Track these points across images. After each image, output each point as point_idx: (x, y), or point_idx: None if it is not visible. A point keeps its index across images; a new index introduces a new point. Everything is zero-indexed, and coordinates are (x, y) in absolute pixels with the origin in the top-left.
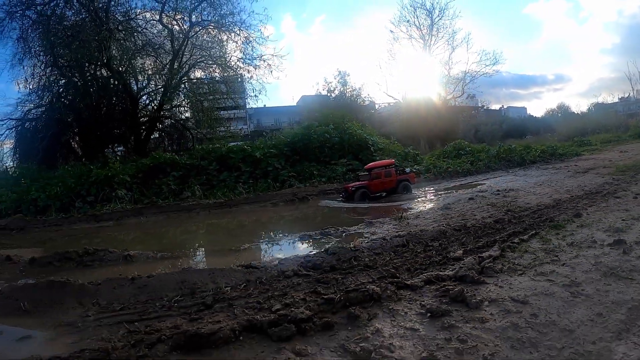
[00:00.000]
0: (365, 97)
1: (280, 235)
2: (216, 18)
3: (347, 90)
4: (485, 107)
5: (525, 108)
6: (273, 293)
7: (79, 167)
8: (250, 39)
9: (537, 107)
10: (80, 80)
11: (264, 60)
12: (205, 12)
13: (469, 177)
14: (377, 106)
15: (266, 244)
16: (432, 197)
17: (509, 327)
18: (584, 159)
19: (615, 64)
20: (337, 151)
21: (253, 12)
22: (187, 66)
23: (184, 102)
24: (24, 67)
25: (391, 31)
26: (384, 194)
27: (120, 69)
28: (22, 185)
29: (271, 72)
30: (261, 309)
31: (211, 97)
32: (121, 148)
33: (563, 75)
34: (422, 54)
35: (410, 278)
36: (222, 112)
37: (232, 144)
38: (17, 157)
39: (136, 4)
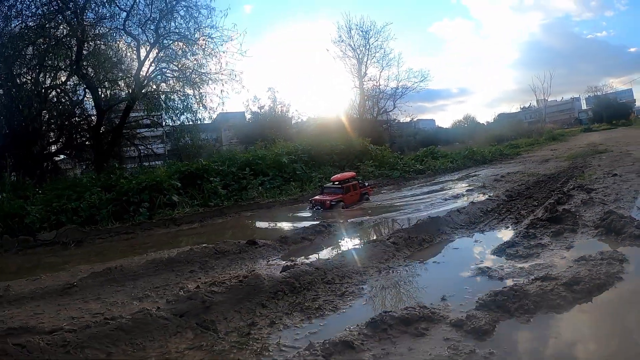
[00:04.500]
0: (294, 112)
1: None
2: (183, 31)
3: (277, 107)
4: (397, 120)
5: (434, 120)
6: (513, 206)
7: (103, 176)
8: (218, 54)
9: (443, 118)
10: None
11: (235, 75)
12: (172, 24)
13: (456, 173)
14: (298, 120)
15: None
16: (465, 181)
17: (611, 191)
18: (527, 156)
19: (517, 77)
20: (343, 157)
21: (220, 26)
22: (152, 77)
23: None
24: None
25: (327, 50)
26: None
27: (90, 74)
28: (38, 196)
29: (242, 86)
30: (533, 207)
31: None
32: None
33: (466, 89)
34: (355, 71)
35: (561, 190)
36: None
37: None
38: None
39: (101, 9)
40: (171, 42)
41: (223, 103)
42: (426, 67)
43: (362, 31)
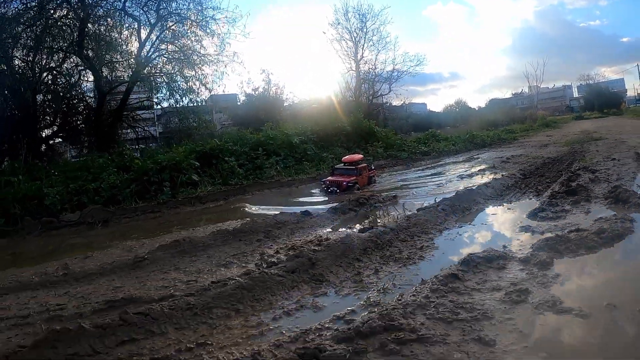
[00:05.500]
0: (288, 94)
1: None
2: (184, 12)
3: (271, 89)
4: (388, 104)
5: (426, 104)
6: (529, 182)
7: (116, 157)
8: (220, 35)
9: (435, 102)
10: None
11: (237, 57)
12: (174, 5)
13: (460, 155)
14: (291, 102)
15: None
16: (471, 162)
17: (613, 172)
18: (524, 141)
19: (509, 63)
20: (350, 138)
21: (222, 8)
22: (152, 58)
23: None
24: None
25: (324, 32)
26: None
27: (91, 56)
28: (55, 177)
29: (244, 68)
30: (547, 183)
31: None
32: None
33: (458, 73)
34: (352, 54)
35: (568, 170)
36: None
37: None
38: None
39: None
40: (172, 23)
41: (224, 85)
42: (420, 51)
43: (359, 14)
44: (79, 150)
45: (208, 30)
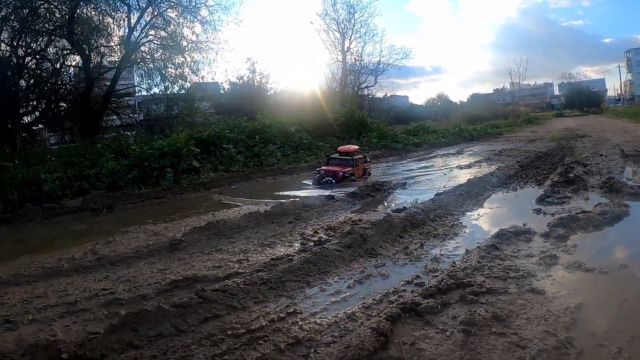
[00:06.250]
0: (273, 83)
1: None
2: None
3: (256, 78)
4: (370, 95)
5: (407, 97)
6: (528, 173)
7: (112, 142)
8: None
9: (416, 95)
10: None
11: (227, 44)
12: None
13: (450, 148)
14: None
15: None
16: (464, 155)
17: (603, 166)
18: (511, 136)
19: (492, 59)
20: (344, 129)
21: None
22: (142, 43)
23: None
24: None
25: (311, 22)
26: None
27: (81, 41)
28: (52, 163)
29: (235, 55)
30: (544, 174)
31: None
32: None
33: (440, 67)
34: (339, 45)
35: (563, 163)
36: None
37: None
38: None
39: None
40: (163, 9)
41: (214, 72)
42: (404, 44)
43: (347, 5)
44: (60, 137)
45: (199, 17)
